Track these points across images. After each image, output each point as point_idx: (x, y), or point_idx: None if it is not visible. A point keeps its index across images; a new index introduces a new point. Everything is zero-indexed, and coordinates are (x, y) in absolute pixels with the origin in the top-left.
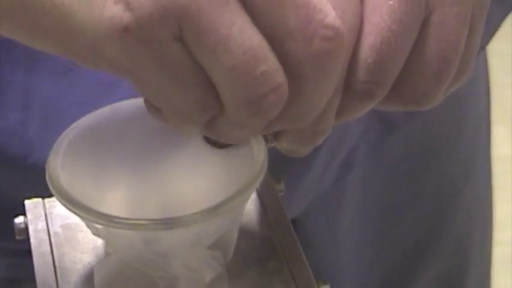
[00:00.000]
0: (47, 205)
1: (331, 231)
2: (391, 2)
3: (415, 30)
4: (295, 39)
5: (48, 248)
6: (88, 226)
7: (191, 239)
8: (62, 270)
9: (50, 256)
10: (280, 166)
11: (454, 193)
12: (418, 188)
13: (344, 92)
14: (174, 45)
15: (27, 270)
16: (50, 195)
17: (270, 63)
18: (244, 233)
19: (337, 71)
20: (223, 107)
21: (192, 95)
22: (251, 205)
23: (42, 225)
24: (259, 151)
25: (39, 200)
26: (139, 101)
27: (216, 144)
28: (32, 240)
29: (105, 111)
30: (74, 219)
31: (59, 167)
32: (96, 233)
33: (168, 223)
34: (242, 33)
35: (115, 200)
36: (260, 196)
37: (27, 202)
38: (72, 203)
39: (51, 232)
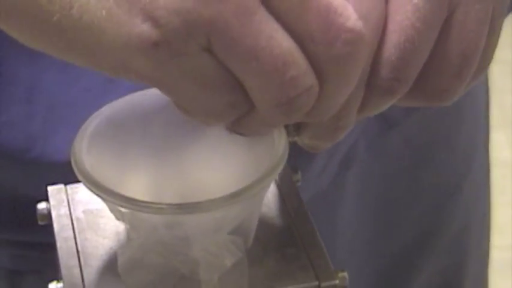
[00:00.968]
0: (69, 191)
1: (330, 227)
2: (416, 1)
3: (437, 28)
4: (317, 43)
5: (71, 233)
6: (111, 210)
7: (212, 224)
8: (85, 254)
9: (73, 241)
10: None
11: (452, 190)
12: (416, 184)
13: (366, 88)
14: (203, 55)
15: (29, 262)
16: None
17: (300, 67)
18: (263, 221)
19: (358, 72)
20: (253, 105)
21: (223, 98)
22: (270, 194)
23: (64, 210)
24: (279, 140)
25: (62, 186)
26: None
27: (238, 132)
28: (55, 225)
29: (127, 99)
30: (95, 205)
31: (84, 152)
32: (119, 217)
33: (190, 208)
34: (270, 40)
35: (137, 186)
36: (278, 186)
37: (50, 188)
38: (98, 187)
39: (73, 217)
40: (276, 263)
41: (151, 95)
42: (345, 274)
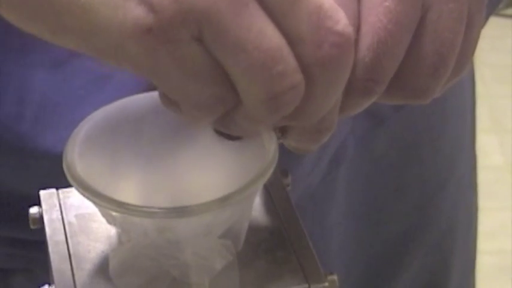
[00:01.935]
0: (61, 195)
1: (320, 225)
2: (387, 3)
3: (411, 28)
4: (306, 44)
5: (63, 237)
6: (103, 214)
7: (203, 228)
8: (77, 258)
9: (65, 245)
10: None
11: (438, 187)
12: (403, 180)
13: (344, 89)
14: (193, 44)
15: (19, 260)
16: (44, 185)
17: (288, 63)
18: (253, 224)
19: (345, 76)
20: (239, 101)
21: (210, 89)
22: (260, 198)
23: (56, 214)
24: (270, 143)
25: (54, 190)
26: (152, 95)
27: (227, 136)
28: (47, 229)
29: (119, 104)
30: (87, 209)
31: (75, 156)
32: (111, 221)
33: (181, 211)
34: (260, 34)
35: (129, 190)
36: (268, 189)
37: (42, 192)
38: (89, 191)
39: (65, 222)
40: (266, 266)
41: (143, 99)
42: (335, 277)
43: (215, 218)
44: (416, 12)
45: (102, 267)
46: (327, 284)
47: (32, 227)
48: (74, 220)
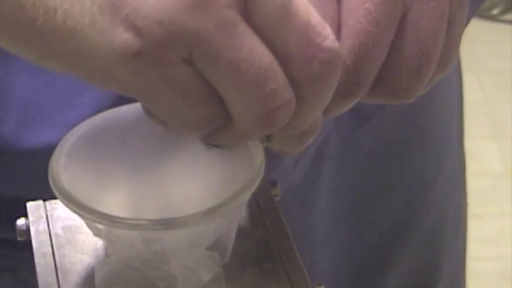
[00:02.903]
0: (48, 207)
1: (304, 222)
2: (367, 5)
3: (392, 29)
4: (295, 61)
5: (50, 249)
6: (89, 226)
7: (190, 239)
8: (63, 270)
9: (51, 257)
10: None
11: (425, 185)
12: (389, 179)
13: None
14: (183, 66)
15: (4, 260)
16: (28, 187)
17: (279, 80)
18: (241, 235)
19: (333, 90)
20: (230, 118)
21: (201, 110)
22: (248, 208)
23: (43, 226)
24: (257, 154)
25: (41, 202)
26: (138, 106)
27: (214, 145)
28: (33, 241)
29: (105, 115)
30: (74, 221)
31: (61, 168)
32: (97, 233)
33: (167, 223)
34: (251, 53)
35: (115, 201)
36: (257, 199)
37: (29, 204)
38: (75, 204)
39: (52, 233)
40: (253, 277)
41: (129, 110)
42: None
43: (202, 229)
44: (397, 12)
45: (89, 280)
46: None
47: (19, 238)
48: (60, 232)
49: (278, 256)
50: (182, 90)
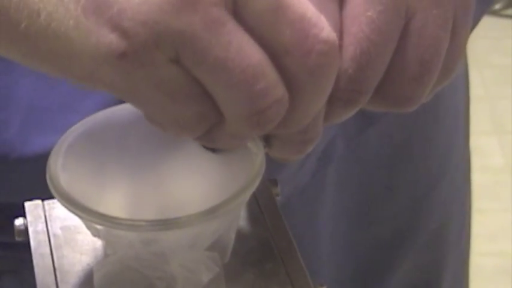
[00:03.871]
0: (46, 207)
1: (310, 224)
2: (369, 13)
3: (395, 38)
4: (292, 54)
5: (48, 249)
6: (88, 227)
7: (189, 240)
8: (62, 271)
9: (50, 257)
10: None
11: (430, 186)
12: (394, 181)
13: (328, 99)
14: (171, 67)
15: (6, 262)
16: (30, 191)
17: (270, 78)
18: (241, 235)
19: (331, 83)
20: (222, 117)
21: (192, 109)
22: (248, 208)
23: (42, 226)
24: (257, 154)
25: (39, 202)
26: None
27: (211, 149)
28: (31, 241)
29: (103, 114)
30: (73, 221)
31: (59, 168)
32: (96, 233)
33: (166, 224)
34: (240, 52)
35: (114, 202)
36: (257, 199)
37: (27, 204)
38: (73, 204)
39: (50, 234)
40: (254, 278)
41: (128, 109)
42: None
43: (202, 230)
44: (400, 21)
45: (87, 281)
46: None
47: (17, 238)
48: (59, 232)
49: (279, 256)
50: (170, 91)
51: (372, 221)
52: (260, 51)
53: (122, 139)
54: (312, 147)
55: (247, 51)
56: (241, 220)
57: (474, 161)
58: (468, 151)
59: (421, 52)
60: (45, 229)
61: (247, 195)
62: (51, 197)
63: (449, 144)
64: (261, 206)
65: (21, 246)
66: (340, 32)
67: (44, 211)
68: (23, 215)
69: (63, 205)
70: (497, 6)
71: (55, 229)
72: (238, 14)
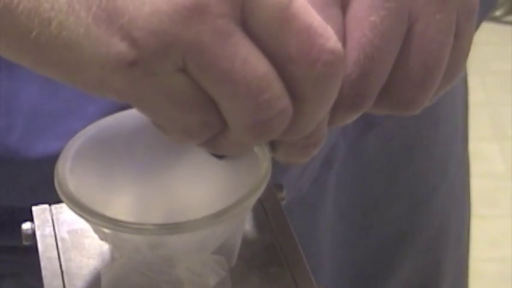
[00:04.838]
0: (53, 211)
1: (310, 227)
2: (372, 18)
3: (398, 42)
4: (298, 64)
5: (55, 253)
6: (95, 231)
7: (196, 244)
8: (69, 275)
9: (57, 261)
10: None
11: (429, 191)
12: (394, 185)
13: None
14: (178, 75)
15: (9, 265)
16: (33, 197)
17: (274, 90)
18: (247, 239)
19: (336, 92)
20: (226, 124)
21: (197, 116)
22: (254, 212)
23: (49, 230)
24: (263, 159)
25: (46, 206)
26: None
27: (216, 155)
28: (39, 245)
29: (111, 119)
30: (80, 225)
31: (67, 173)
32: (103, 237)
33: (173, 228)
34: (245, 64)
35: (121, 206)
36: (263, 203)
37: (34, 208)
38: (81, 208)
39: (58, 237)
40: (259, 281)
41: (135, 114)
42: None
43: (208, 234)
44: (403, 25)
45: (95, 284)
46: None
47: (24, 243)
48: (66, 236)
49: (284, 260)
50: (177, 98)
51: (372, 224)
52: (266, 63)
53: (129, 144)
54: (317, 151)
55: (253, 63)
56: (247, 224)
57: (475, 167)
58: (467, 157)
59: (424, 57)
60: (52, 233)
61: (253, 200)
62: (54, 201)
63: (448, 150)
64: (267, 210)
65: (22, 250)
66: (344, 37)
67: (51, 215)
68: (26, 219)
69: (71, 209)
70: (498, 13)
71: (62, 233)
72: (245, 23)
